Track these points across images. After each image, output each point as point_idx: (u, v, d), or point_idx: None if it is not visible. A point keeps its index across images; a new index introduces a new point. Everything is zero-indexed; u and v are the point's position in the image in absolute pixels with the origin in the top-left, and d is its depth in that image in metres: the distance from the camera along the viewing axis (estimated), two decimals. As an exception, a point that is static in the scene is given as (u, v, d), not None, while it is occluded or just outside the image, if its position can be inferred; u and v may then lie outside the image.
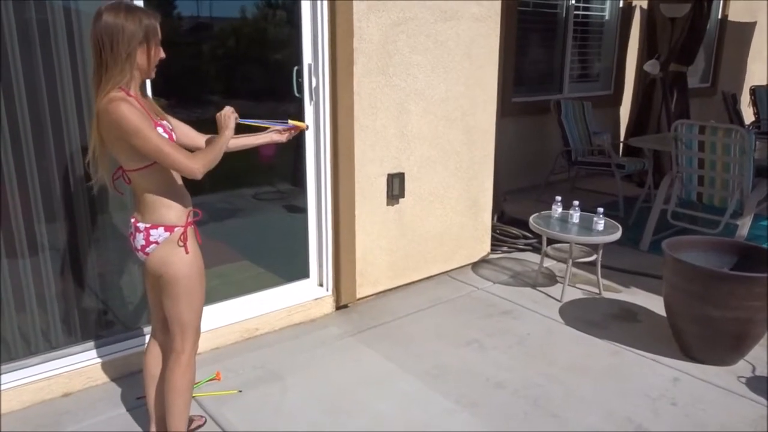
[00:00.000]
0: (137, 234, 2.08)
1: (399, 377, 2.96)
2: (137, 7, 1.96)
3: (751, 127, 7.03)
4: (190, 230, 2.10)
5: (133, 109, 1.90)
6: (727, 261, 3.27)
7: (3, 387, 2.63)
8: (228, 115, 2.13)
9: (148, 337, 3.01)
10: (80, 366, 2.81)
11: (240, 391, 2.81)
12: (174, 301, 2.12)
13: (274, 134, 2.40)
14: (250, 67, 3.55)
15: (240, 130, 2.21)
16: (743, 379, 2.95)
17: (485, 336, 3.37)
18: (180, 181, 2.12)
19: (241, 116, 2.19)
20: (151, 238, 2.06)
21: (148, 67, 2.02)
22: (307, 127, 2.51)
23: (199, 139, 2.29)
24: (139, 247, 2.09)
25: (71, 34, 2.61)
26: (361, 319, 3.57)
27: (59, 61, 2.60)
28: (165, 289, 2.11)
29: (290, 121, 2.38)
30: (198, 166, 1.99)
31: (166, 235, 2.06)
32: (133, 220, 2.11)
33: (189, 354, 2.17)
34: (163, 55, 2.05)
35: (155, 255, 2.07)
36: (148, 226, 2.05)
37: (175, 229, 2.06)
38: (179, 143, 2.11)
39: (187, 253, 2.08)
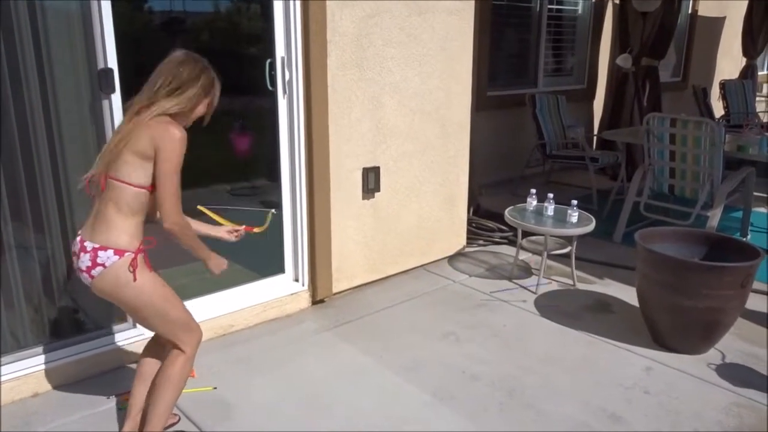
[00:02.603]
0: (82, 254, 2.00)
1: (376, 371, 2.95)
2: (210, 67, 2.15)
3: (721, 121, 7.15)
4: (140, 258, 2.05)
5: (185, 142, 2.01)
6: (698, 251, 3.32)
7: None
8: (220, 265, 2.28)
9: (121, 335, 2.97)
10: (50, 366, 2.75)
11: (215, 388, 2.78)
12: (146, 322, 2.13)
13: (225, 233, 2.44)
14: (223, 61, 3.50)
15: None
16: (713, 365, 3.01)
17: (461, 329, 3.38)
18: (143, 216, 2.09)
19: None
20: (98, 260, 1.98)
21: (195, 116, 2.13)
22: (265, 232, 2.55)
23: None
24: (84, 269, 2.00)
25: (36, 31, 2.54)
26: (338, 313, 3.56)
27: (24, 59, 2.54)
28: (130, 314, 2.12)
29: (246, 229, 2.48)
30: (174, 219, 2.03)
31: (114, 259, 1.99)
32: (79, 237, 2.04)
33: (190, 351, 2.20)
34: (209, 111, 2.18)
35: (102, 279, 2.00)
36: (96, 246, 1.98)
37: (126, 254, 2.00)
38: None
39: (134, 280, 2.02)
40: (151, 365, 2.34)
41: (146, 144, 1.96)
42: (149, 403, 2.23)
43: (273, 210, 2.57)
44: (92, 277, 2.00)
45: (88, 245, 1.99)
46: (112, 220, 2.00)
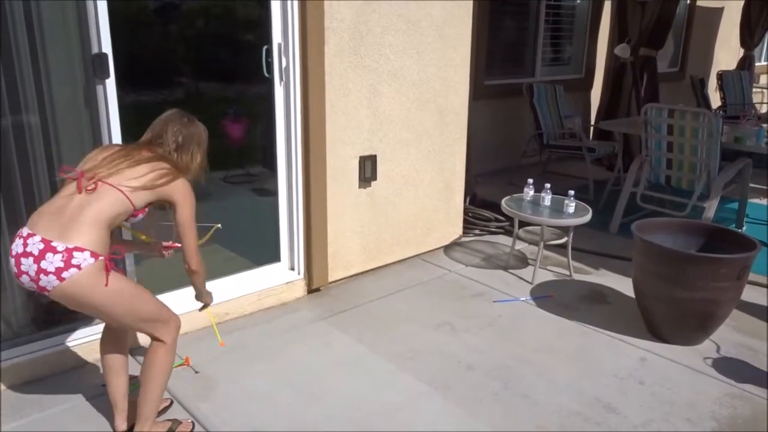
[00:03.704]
0: (49, 254, 1.88)
1: (371, 360, 2.95)
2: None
3: (718, 112, 7.14)
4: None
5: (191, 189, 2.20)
6: (694, 243, 3.32)
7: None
8: (208, 299, 2.53)
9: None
10: (44, 353, 2.74)
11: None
12: (120, 321, 2.11)
13: (156, 249, 2.54)
14: (219, 48, 3.47)
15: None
16: (707, 357, 3.02)
17: (457, 318, 3.38)
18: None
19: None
20: (74, 261, 1.88)
21: (194, 172, 2.29)
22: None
23: None
24: (52, 270, 1.88)
25: (29, 15, 2.50)
26: (333, 302, 3.55)
27: (17, 44, 2.50)
28: (99, 317, 2.12)
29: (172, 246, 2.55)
30: (198, 260, 2.27)
31: (90, 261, 1.91)
32: (39, 237, 1.91)
33: (170, 340, 2.21)
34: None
35: (73, 282, 1.90)
36: (70, 246, 1.89)
37: (99, 257, 1.94)
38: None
39: (106, 285, 1.96)
40: (114, 357, 2.33)
41: (162, 192, 2.13)
42: (139, 395, 2.22)
43: (218, 224, 2.67)
44: (62, 279, 1.89)
45: (59, 245, 1.89)
46: (91, 225, 1.94)
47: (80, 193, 1.99)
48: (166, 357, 2.20)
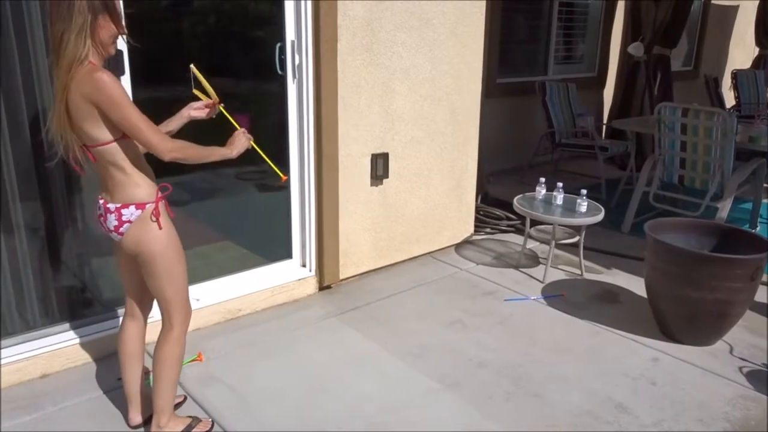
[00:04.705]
0: (108, 215, 2.07)
1: (382, 357, 2.96)
2: None
3: (732, 111, 7.08)
4: (161, 205, 2.10)
5: (115, 79, 1.89)
6: (707, 243, 3.30)
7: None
8: (242, 140, 2.22)
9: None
10: (59, 347, 2.76)
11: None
12: (154, 278, 2.14)
13: (194, 112, 2.31)
14: (231, 45, 3.49)
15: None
16: (722, 362, 3.00)
17: (468, 316, 3.38)
18: (143, 157, 2.11)
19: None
20: (123, 218, 2.06)
21: (109, 40, 1.94)
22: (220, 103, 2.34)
23: None
24: (112, 228, 2.09)
25: (46, 23, 2.52)
26: (344, 299, 3.56)
27: (34, 45, 2.53)
28: (144, 268, 2.13)
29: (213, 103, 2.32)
30: (167, 148, 1.95)
31: (137, 213, 2.06)
32: (102, 201, 2.11)
33: (178, 329, 2.21)
34: (120, 30, 1.96)
35: (129, 234, 2.08)
36: (118, 206, 2.05)
37: (147, 205, 2.06)
38: None
39: (160, 228, 2.08)
40: (131, 349, 2.35)
41: (85, 107, 1.88)
42: (153, 388, 2.24)
43: (191, 65, 2.28)
44: (121, 234, 2.08)
45: (111, 207, 2.06)
46: (120, 180, 2.04)
47: (95, 161, 2.04)
48: (174, 349, 2.21)
